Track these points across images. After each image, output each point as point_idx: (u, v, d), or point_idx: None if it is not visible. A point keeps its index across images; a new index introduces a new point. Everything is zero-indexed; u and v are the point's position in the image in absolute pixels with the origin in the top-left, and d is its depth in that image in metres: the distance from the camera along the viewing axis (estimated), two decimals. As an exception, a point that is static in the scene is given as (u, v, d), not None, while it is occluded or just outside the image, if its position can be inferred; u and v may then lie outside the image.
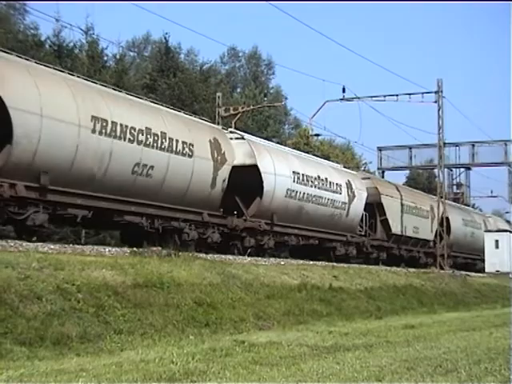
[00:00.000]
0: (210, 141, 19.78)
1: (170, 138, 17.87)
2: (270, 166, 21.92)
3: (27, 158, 14.17)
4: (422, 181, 65.74)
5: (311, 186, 24.09)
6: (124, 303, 10.57)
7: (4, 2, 37.11)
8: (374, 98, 37.22)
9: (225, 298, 12.82)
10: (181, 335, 10.36)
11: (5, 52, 14.85)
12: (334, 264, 21.88)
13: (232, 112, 35.92)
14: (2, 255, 10.53)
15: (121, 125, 16.28)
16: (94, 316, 9.81)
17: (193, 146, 18.78)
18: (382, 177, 50.19)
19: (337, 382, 7.08)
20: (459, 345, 10.53)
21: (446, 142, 41.63)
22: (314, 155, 30.26)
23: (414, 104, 34.88)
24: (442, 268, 32.01)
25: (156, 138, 17.40)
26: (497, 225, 45.42)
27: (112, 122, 16.01)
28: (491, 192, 64.47)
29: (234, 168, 20.52)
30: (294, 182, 22.97)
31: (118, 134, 16.18)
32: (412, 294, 21.16)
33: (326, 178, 25.30)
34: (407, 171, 63.39)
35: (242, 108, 37.58)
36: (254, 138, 23.50)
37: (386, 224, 30.57)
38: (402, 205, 32.00)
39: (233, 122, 33.97)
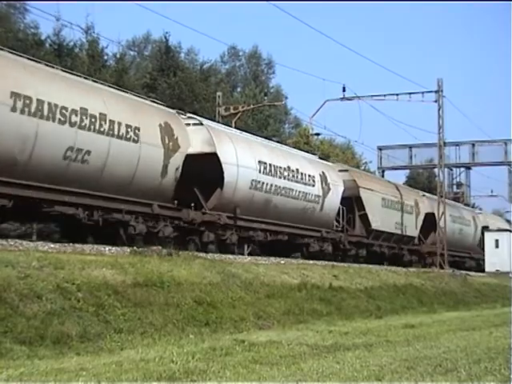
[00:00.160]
0: (160, 125, 17.91)
1: (111, 121, 16.05)
2: (231, 155, 20.18)
3: None
4: (422, 180, 65.78)
5: (280, 178, 22.30)
6: (124, 302, 10.57)
7: (4, 2, 37.10)
8: (374, 98, 37.33)
9: (225, 297, 12.82)
10: (181, 334, 10.36)
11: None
12: (334, 263, 21.82)
13: (232, 111, 35.98)
14: (2, 254, 10.52)
15: (49, 104, 14.50)
16: (94, 315, 9.81)
17: (139, 129, 16.97)
18: (382, 176, 50.23)
19: (337, 382, 7.07)
20: (459, 344, 10.53)
21: (447, 141, 41.66)
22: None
23: (415, 103, 35.08)
24: (442, 267, 32.01)
25: (93, 119, 15.61)
26: (487, 221, 44.35)
27: (38, 100, 14.23)
28: (491, 191, 64.53)
29: (192, 156, 18.76)
30: (260, 172, 21.25)
31: (46, 113, 14.43)
32: (412, 293, 21.15)
33: (298, 169, 23.51)
34: (407, 171, 63.52)
35: (242, 107, 37.64)
36: (214, 124, 21.84)
37: (365, 219, 28.75)
38: (383, 199, 30.25)
39: (233, 122, 34.01)
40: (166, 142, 17.95)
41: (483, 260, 41.41)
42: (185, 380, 6.87)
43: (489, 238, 38.38)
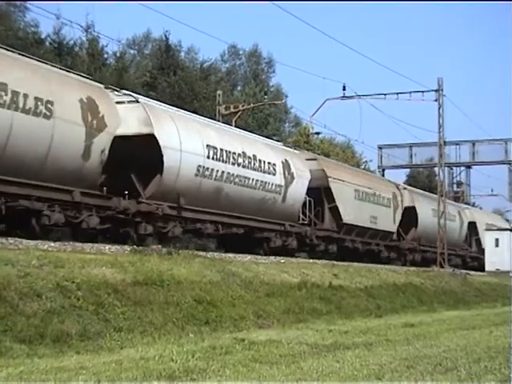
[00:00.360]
0: (81, 100, 15.46)
1: (13, 92, 13.71)
2: (173, 137, 17.95)
3: None
4: (422, 179, 65.82)
5: (233, 164, 20.01)
6: (124, 301, 10.58)
7: (4, 0, 37.10)
8: (374, 96, 37.30)
9: (225, 296, 12.82)
10: (181, 333, 10.36)
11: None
12: (335, 262, 21.79)
13: (232, 110, 35.99)
14: (2, 253, 10.52)
15: None
16: (94, 314, 9.81)
17: (52, 103, 14.60)
18: (383, 175, 50.23)
19: (336, 381, 7.07)
20: (459, 343, 10.53)
21: (447, 140, 41.66)
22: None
23: (415, 102, 34.97)
24: (442, 266, 32.02)
25: None
26: (474, 217, 42.72)
27: None
28: (491, 190, 64.51)
29: (127, 138, 16.71)
30: (208, 158, 19.01)
31: None
32: (412, 292, 21.16)
33: (255, 156, 21.20)
34: (407, 170, 63.58)
35: (243, 106, 37.66)
36: (153, 102, 19.34)
37: (336, 212, 26.30)
38: (356, 190, 27.87)
39: (233, 120, 34.03)
40: (89, 119, 15.55)
41: (470, 257, 40.99)
42: (185, 379, 6.87)
43: (489, 236, 38.32)
